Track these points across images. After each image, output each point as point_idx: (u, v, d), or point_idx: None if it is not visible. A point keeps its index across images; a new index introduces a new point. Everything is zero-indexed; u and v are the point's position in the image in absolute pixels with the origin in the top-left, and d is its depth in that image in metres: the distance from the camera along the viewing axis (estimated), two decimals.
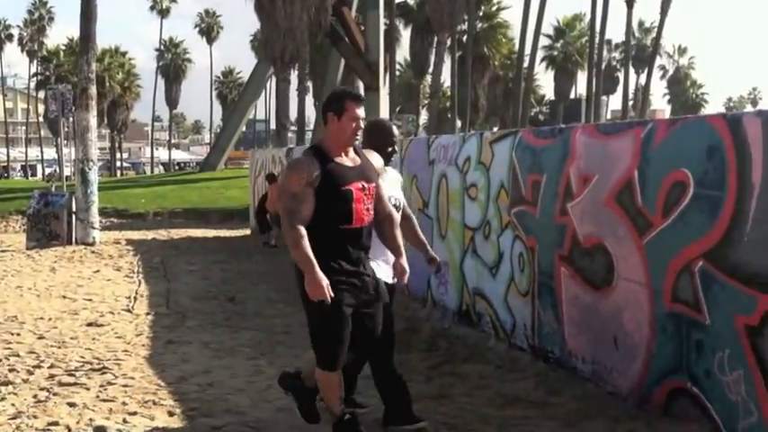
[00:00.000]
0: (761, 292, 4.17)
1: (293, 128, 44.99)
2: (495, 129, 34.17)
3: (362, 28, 35.39)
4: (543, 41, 61.67)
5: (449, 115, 44.72)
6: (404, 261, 4.64)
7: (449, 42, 39.96)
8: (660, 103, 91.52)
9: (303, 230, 4.25)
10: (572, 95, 57.67)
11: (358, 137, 4.51)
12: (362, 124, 4.48)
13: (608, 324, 5.49)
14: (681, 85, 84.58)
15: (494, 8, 50.03)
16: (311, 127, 48.13)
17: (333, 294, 4.24)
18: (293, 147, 22.18)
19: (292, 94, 36.71)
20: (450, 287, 8.09)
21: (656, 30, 75.54)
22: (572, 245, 5.93)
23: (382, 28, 35.05)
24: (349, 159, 4.45)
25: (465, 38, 40.86)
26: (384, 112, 34.34)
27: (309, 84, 46.23)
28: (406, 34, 50.72)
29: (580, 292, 5.83)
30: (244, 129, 54.57)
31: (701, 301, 4.62)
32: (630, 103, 72.79)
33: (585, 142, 5.86)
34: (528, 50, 38.62)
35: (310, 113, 55.20)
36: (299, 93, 35.37)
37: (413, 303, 8.77)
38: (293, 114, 40.39)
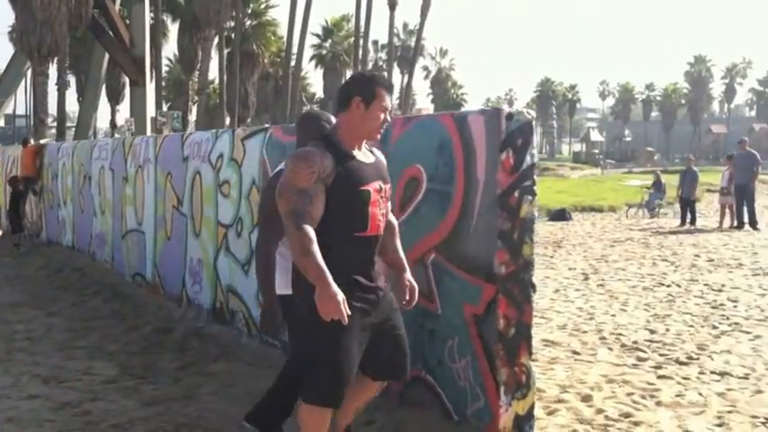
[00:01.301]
0: (485, 282, 4.41)
1: (55, 123, 42.45)
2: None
3: (128, 22, 34.01)
4: (312, 40, 62.53)
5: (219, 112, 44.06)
6: (409, 276, 4.04)
7: (216, 39, 39.32)
8: (425, 103, 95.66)
9: (313, 234, 3.50)
10: None
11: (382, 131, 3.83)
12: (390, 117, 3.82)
13: None
14: (442, 85, 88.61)
15: (262, 6, 49.82)
16: (74, 123, 45.64)
17: (349, 312, 3.53)
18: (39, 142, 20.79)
19: (53, 89, 34.69)
20: (204, 285, 7.94)
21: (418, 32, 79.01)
22: None
23: (148, 22, 33.86)
24: (363, 154, 3.77)
25: (234, 35, 40.46)
26: (150, 108, 33.26)
27: (71, 78, 43.85)
28: (174, 29, 49.43)
29: None
30: (2, 124, 50.80)
31: (433, 292, 4.81)
32: (396, 102, 75.62)
33: None
34: (296, 49, 38.83)
35: (74, 109, 52.37)
36: (58, 87, 33.39)
37: (168, 303, 8.52)
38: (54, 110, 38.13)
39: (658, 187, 23.03)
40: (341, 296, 3.46)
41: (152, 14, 36.21)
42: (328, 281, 3.46)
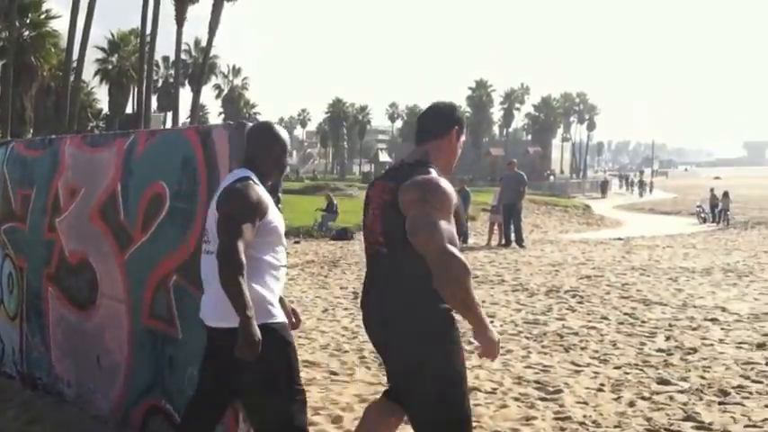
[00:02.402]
0: None
1: None
2: None
3: None
4: (97, 54, 59.60)
5: None
6: None
7: None
8: (217, 122, 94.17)
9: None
10: (129, 110, 56.59)
11: None
12: None
13: (92, 345, 5.24)
14: (235, 104, 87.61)
15: (42, 16, 46.81)
16: None
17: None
18: None
19: None
20: None
21: (213, 49, 77.34)
22: (59, 263, 5.59)
23: None
24: None
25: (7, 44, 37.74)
26: None
27: None
28: None
29: (66, 312, 5.51)
30: None
31: (174, 316, 4.57)
32: (188, 120, 73.70)
33: (73, 154, 5.56)
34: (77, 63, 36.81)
35: None
36: None
37: None
38: None
39: (330, 209, 23.97)
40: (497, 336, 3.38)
41: None
42: (486, 320, 3.36)
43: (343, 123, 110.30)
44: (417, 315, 3.35)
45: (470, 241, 19.48)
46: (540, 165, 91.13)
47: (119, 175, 5.05)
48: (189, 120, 73.68)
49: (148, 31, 37.53)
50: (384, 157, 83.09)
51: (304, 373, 6.54)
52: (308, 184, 52.51)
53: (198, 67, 70.34)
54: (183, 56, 61.52)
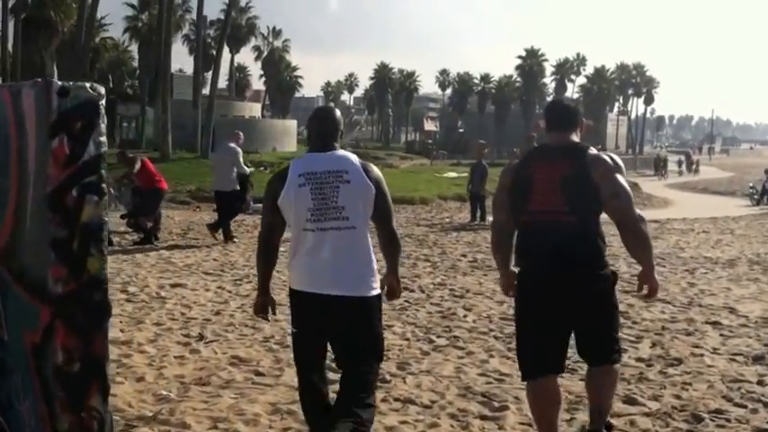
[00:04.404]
0: (41, 303, 3.43)
1: None
2: None
3: None
4: (127, 11, 58.39)
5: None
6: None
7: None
8: (258, 85, 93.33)
9: None
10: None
11: None
12: None
13: None
14: (275, 66, 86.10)
15: None
16: None
17: None
18: None
19: None
20: None
21: (251, 9, 75.89)
22: None
23: None
24: None
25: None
26: None
27: None
28: None
29: None
30: None
31: (1, 313, 3.80)
32: (226, 82, 72.99)
33: None
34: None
35: None
36: None
37: None
38: None
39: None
40: None
41: None
42: None
43: (389, 90, 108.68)
44: (603, 261, 4.22)
45: (489, 219, 18.46)
46: (592, 139, 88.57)
47: None
48: (228, 83, 73.04)
49: None
50: (429, 125, 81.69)
51: (224, 374, 5.81)
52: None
53: (236, 28, 69.26)
54: (219, 15, 60.24)
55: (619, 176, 4.09)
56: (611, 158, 4.17)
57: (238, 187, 13.76)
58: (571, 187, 4.05)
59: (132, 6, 56.73)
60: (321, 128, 4.08)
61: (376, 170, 4.00)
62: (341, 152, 4.00)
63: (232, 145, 13.66)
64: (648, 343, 6.90)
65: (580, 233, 4.08)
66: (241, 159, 13.72)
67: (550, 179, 4.10)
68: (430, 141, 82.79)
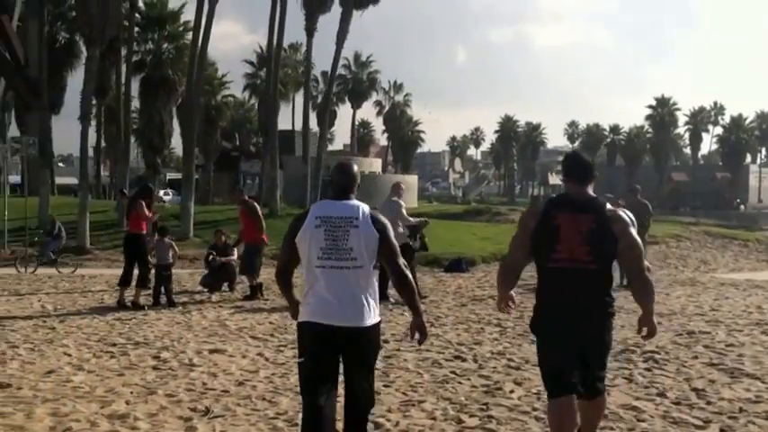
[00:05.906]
0: None
1: None
2: None
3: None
4: (246, 68, 58.86)
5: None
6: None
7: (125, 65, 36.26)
8: (381, 140, 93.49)
9: None
10: (282, 127, 56.81)
11: None
12: None
13: None
14: (396, 121, 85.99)
15: (180, 28, 45.16)
16: None
17: None
18: None
19: None
20: None
21: (372, 64, 75.56)
22: None
23: (42, 40, 30.15)
24: None
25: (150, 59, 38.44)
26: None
27: None
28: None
29: None
30: None
31: None
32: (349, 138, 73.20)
33: None
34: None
35: None
36: None
37: None
38: None
39: (53, 233, 21.31)
40: None
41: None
42: None
43: (513, 144, 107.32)
44: (610, 309, 4.74)
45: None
46: (729, 192, 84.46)
47: None
48: (350, 138, 73.34)
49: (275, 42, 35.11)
50: (554, 179, 79.88)
51: None
52: (469, 208, 51.24)
53: (358, 83, 69.33)
54: (341, 71, 60.43)
55: (633, 231, 4.71)
56: (627, 215, 4.84)
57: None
58: (596, 240, 4.58)
59: (251, 63, 57.87)
60: (340, 180, 4.64)
61: (382, 219, 4.57)
62: (355, 201, 4.58)
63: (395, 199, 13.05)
64: (716, 429, 5.83)
65: (601, 281, 4.67)
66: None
67: (577, 230, 4.60)
68: (554, 196, 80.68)
